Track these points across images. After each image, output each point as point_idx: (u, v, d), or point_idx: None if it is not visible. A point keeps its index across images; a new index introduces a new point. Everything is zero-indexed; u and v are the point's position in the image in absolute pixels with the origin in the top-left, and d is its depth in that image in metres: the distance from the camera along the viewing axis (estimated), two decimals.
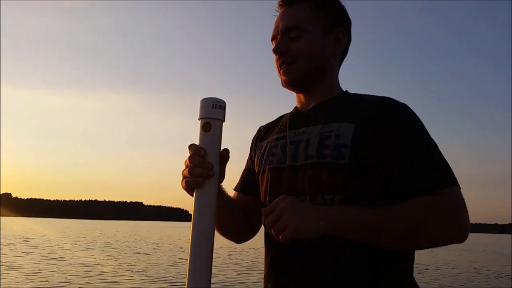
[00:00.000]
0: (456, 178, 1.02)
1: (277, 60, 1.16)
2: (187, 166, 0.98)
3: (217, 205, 0.96)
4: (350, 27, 1.21)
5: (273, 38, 1.19)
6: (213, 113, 0.96)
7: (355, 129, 1.05)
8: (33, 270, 11.54)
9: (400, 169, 1.01)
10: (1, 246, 18.92)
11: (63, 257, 15.10)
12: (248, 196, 1.26)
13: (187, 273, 0.92)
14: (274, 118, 1.33)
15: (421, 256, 21.69)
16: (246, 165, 1.33)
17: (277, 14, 1.21)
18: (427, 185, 0.99)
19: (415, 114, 1.08)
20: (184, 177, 0.98)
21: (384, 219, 0.95)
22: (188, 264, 0.92)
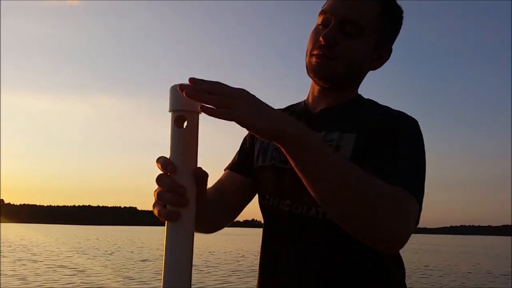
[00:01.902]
0: (420, 194, 0.94)
1: (318, 46, 1.06)
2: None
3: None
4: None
5: (324, 13, 1.08)
6: (188, 104, 0.73)
7: (355, 142, 1.03)
8: (28, 279, 11.42)
9: (373, 161, 0.97)
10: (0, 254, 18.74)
11: (66, 266, 14.97)
12: (241, 176, 1.21)
13: None
14: None
15: (422, 258, 21.79)
16: (242, 146, 1.26)
17: None
18: (388, 180, 0.90)
19: (418, 130, 1.04)
20: (154, 204, 0.77)
21: (342, 162, 0.84)
22: None
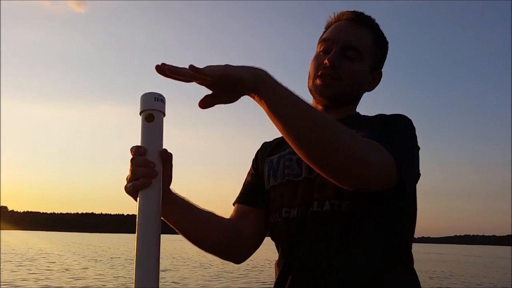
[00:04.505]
0: (395, 150, 1.00)
1: (323, 68, 1.17)
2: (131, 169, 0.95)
3: (162, 206, 0.95)
4: None
5: (325, 41, 1.20)
6: (156, 105, 0.95)
7: None
8: None
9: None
10: (4, 261, 18.70)
11: (76, 275, 14.90)
12: (250, 207, 1.26)
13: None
14: (272, 135, 1.33)
15: (427, 267, 21.59)
16: (247, 178, 1.33)
17: (333, 18, 1.23)
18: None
19: (407, 120, 1.14)
20: (129, 181, 0.95)
21: (316, 111, 0.97)
22: (134, 273, 0.89)
